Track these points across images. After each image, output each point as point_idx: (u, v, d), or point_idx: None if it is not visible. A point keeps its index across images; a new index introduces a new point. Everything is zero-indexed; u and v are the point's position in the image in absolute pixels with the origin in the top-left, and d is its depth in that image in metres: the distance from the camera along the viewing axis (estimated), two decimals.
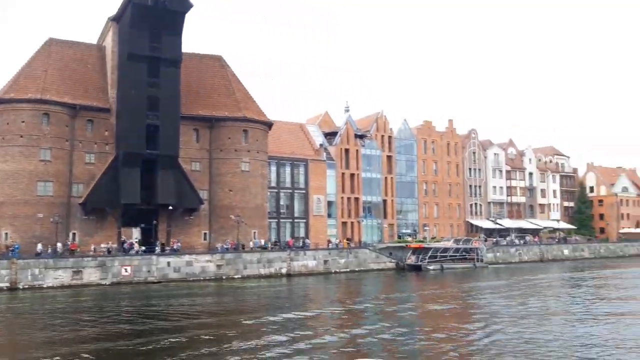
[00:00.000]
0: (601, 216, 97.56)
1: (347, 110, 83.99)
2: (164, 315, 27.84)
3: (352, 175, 66.15)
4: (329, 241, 60.31)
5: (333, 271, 53.64)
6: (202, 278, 46.38)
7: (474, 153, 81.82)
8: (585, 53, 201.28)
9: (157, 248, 47.86)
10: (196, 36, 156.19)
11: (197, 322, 25.74)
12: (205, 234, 53.02)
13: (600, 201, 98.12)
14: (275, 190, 60.03)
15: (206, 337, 21.64)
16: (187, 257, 47.18)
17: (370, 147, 68.93)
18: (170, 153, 49.15)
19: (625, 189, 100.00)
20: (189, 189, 50.99)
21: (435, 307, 31.30)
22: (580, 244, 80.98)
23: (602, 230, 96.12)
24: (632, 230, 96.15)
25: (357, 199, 66.22)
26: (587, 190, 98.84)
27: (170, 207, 49.75)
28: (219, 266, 47.96)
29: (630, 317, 26.75)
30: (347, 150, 66.20)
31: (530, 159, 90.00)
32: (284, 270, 50.97)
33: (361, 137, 68.64)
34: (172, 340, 20.96)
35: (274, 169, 60.00)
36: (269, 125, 57.15)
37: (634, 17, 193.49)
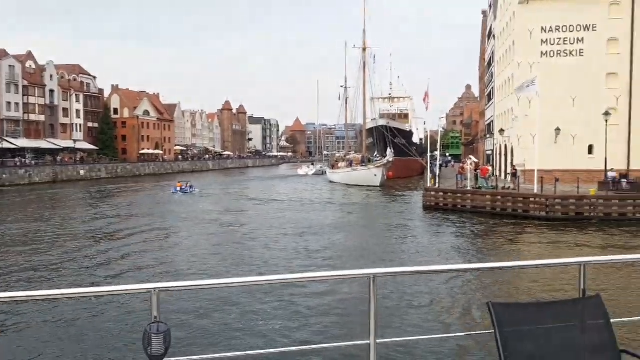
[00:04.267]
0: (124, 138, 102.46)
1: None
2: None
3: None
4: None
5: None
6: None
7: None
8: None
9: None
10: None
11: None
12: None
13: (124, 123, 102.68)
14: None
15: None
16: None
17: None
18: None
19: (147, 113, 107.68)
20: None
21: None
22: (98, 164, 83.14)
23: (124, 151, 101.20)
24: (151, 151, 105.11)
25: None
26: (112, 112, 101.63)
27: None
28: None
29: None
30: None
31: (52, 75, 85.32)
32: None
33: None
34: None
35: None
36: None
37: None
